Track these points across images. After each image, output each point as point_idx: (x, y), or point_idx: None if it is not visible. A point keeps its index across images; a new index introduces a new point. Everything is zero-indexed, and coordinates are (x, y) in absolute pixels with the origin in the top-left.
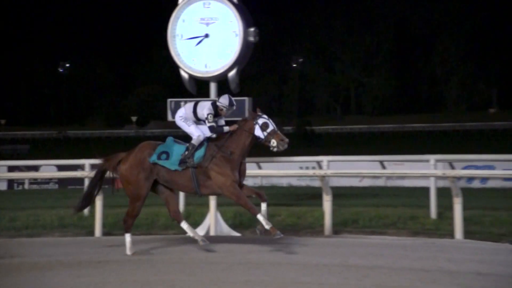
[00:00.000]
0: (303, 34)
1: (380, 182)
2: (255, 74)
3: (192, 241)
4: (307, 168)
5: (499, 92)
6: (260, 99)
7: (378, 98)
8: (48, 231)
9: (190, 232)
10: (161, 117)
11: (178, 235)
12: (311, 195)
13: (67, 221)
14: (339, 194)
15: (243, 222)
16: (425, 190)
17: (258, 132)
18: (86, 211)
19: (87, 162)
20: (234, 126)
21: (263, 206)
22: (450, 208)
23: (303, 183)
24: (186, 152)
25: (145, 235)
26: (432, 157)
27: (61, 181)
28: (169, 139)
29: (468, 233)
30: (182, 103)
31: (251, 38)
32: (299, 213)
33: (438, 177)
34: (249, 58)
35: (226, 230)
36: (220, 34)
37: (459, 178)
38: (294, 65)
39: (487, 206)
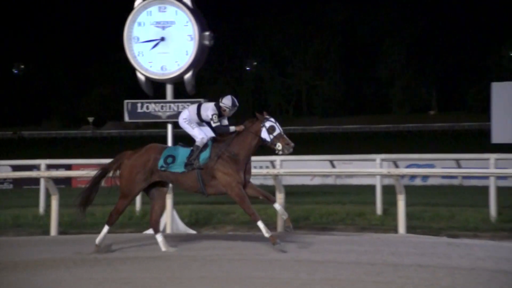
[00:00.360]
0: (257, 38)
1: (330, 181)
2: (210, 77)
3: (147, 238)
4: (260, 167)
5: (438, 95)
6: (216, 100)
7: (328, 100)
8: (3, 231)
9: (162, 247)
10: (118, 118)
11: (134, 234)
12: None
13: (22, 220)
14: (292, 192)
15: (199, 220)
16: (372, 187)
17: (264, 134)
18: (41, 210)
19: (43, 162)
20: (240, 127)
21: (277, 206)
22: (394, 204)
23: (257, 181)
24: (192, 154)
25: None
26: (378, 157)
27: (16, 181)
28: (174, 147)
29: (410, 228)
30: (186, 105)
31: (206, 42)
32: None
33: (383, 176)
34: (205, 61)
35: (182, 228)
36: (176, 37)
37: (402, 176)
38: (248, 68)
39: (427, 203)
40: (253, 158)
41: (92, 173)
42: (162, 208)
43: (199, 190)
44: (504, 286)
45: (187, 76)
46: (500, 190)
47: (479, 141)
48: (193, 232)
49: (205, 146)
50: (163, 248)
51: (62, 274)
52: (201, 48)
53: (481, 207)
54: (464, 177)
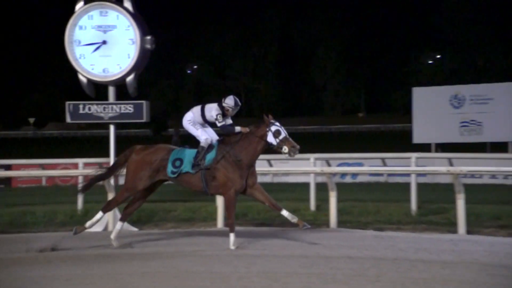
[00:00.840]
0: (198, 43)
1: (267, 179)
2: (153, 79)
3: (91, 236)
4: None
5: (366, 98)
6: (158, 103)
7: (266, 103)
8: None
9: (113, 234)
10: (60, 119)
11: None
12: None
13: None
14: None
15: (141, 218)
16: (306, 185)
17: (270, 138)
18: None
19: None
20: (245, 128)
21: (284, 213)
22: (326, 201)
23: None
24: (198, 155)
25: (42, 232)
26: (312, 156)
27: None
28: (178, 149)
29: (341, 222)
30: (193, 108)
31: (148, 46)
32: (194, 208)
33: (317, 174)
34: (147, 64)
35: (124, 225)
36: (117, 41)
37: (334, 174)
38: (189, 71)
39: (356, 199)
40: None
41: (33, 172)
42: (140, 205)
43: (202, 189)
44: (423, 273)
45: (129, 78)
46: (420, 186)
47: (402, 141)
48: (135, 229)
49: (211, 147)
50: (112, 235)
51: (0, 273)
52: (142, 52)
53: (404, 202)
54: (389, 175)
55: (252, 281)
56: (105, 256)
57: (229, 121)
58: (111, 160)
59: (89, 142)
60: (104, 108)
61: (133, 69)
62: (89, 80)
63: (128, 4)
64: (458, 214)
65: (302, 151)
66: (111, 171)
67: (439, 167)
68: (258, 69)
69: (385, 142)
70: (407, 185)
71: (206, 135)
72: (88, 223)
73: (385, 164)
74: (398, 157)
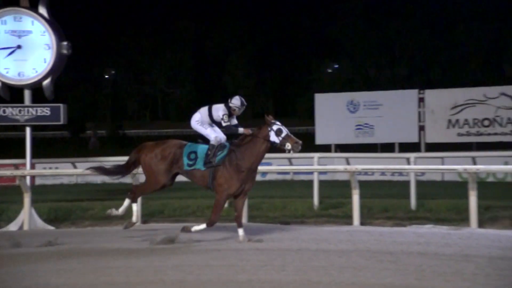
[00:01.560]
0: (115, 50)
1: (183, 178)
2: (70, 83)
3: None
4: None
5: (274, 103)
6: (76, 106)
7: (181, 106)
8: None
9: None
10: None
11: None
12: (124, 191)
13: None
14: None
15: (58, 217)
16: None
17: (273, 137)
18: None
19: None
20: (248, 130)
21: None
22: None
23: (116, 180)
24: (209, 153)
25: None
26: None
27: None
28: (190, 143)
29: (251, 217)
30: (200, 109)
31: (64, 51)
32: (112, 206)
33: None
34: (64, 68)
35: (40, 224)
36: (33, 46)
37: None
38: (107, 76)
39: (265, 195)
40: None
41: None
42: (243, 202)
43: (207, 185)
44: (322, 262)
45: (46, 82)
46: (321, 183)
47: (307, 143)
48: (51, 228)
49: (223, 146)
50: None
51: None
52: (59, 57)
53: (307, 197)
54: (295, 173)
55: (167, 274)
56: (19, 255)
57: (234, 121)
58: (28, 162)
59: (3, 144)
60: (20, 110)
61: (50, 73)
62: (3, 84)
63: (43, 11)
64: (354, 207)
65: None
66: (125, 169)
67: (338, 166)
68: (174, 75)
69: None
70: (310, 182)
71: (215, 134)
72: (120, 210)
73: (291, 163)
74: (303, 156)
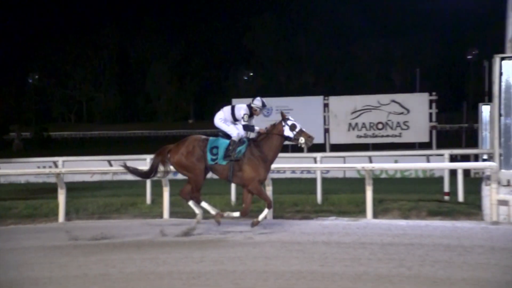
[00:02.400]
0: (40, 55)
1: (108, 177)
2: None
3: None
4: (44, 167)
5: (195, 107)
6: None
7: (106, 110)
8: None
9: (208, 208)
10: None
11: None
12: (48, 190)
13: None
14: (73, 188)
15: None
16: (143, 182)
17: (287, 132)
18: None
19: None
20: (262, 129)
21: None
22: (161, 195)
23: (40, 180)
24: (230, 147)
25: None
26: (147, 157)
27: None
28: (212, 138)
29: (173, 213)
30: (223, 108)
31: None
32: (36, 205)
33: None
34: None
35: None
36: None
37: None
38: (31, 81)
39: None
40: (36, 159)
41: None
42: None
43: (227, 177)
44: (238, 253)
45: None
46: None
47: None
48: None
49: (242, 142)
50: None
51: None
52: None
53: (225, 194)
54: None
55: (91, 268)
56: None
57: (253, 122)
58: None
59: None
60: None
61: None
62: None
63: None
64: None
65: (139, 152)
66: (150, 172)
67: None
68: (99, 80)
69: None
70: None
71: (237, 131)
72: (212, 211)
73: None
74: None
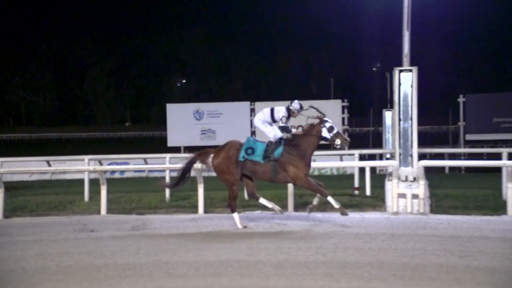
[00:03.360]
0: None
1: (47, 177)
2: None
3: None
4: None
5: (131, 111)
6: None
7: (45, 113)
8: None
9: (268, 204)
10: None
11: None
12: None
13: None
14: (12, 187)
15: None
16: (82, 181)
17: (325, 133)
18: None
19: None
20: (299, 131)
21: (234, 216)
22: (98, 193)
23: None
24: (268, 149)
25: None
26: (86, 157)
27: None
28: (249, 138)
29: (110, 210)
30: (263, 109)
31: None
32: None
33: (90, 171)
34: None
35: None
36: None
37: (105, 171)
38: None
39: (123, 190)
40: None
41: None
42: (252, 183)
43: (270, 178)
44: (171, 245)
45: None
46: (173, 179)
47: (160, 145)
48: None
49: (279, 143)
50: (269, 205)
51: None
52: None
53: (160, 191)
54: (150, 171)
55: (29, 263)
56: None
57: (289, 123)
58: None
59: None
60: None
61: None
62: None
63: None
64: (199, 199)
65: (78, 153)
66: (182, 177)
67: None
68: (38, 85)
69: (147, 146)
70: (163, 179)
71: (274, 132)
72: (238, 225)
73: (146, 163)
74: (156, 157)
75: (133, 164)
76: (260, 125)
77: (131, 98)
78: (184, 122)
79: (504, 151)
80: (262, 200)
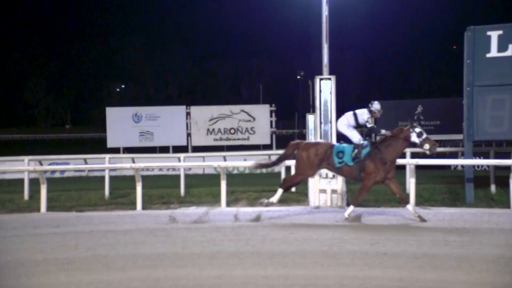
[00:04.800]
0: None
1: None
2: None
3: None
4: None
5: (71, 114)
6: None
7: None
8: None
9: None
10: None
11: None
12: None
13: None
14: None
15: None
16: (22, 180)
17: (414, 138)
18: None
19: None
20: (388, 132)
21: (409, 207)
22: (38, 192)
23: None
24: (356, 151)
25: None
26: (26, 158)
27: None
28: (337, 144)
29: (50, 207)
30: (345, 114)
31: None
32: None
33: (30, 171)
34: None
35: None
36: None
37: (45, 171)
38: None
39: (64, 189)
40: None
41: None
42: (396, 184)
43: (355, 177)
44: (110, 240)
45: None
46: (112, 178)
47: (100, 146)
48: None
49: (365, 145)
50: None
51: None
52: None
53: (100, 189)
54: (89, 171)
55: None
56: None
57: (375, 125)
58: None
59: None
60: None
61: None
62: None
63: None
64: (137, 196)
65: (18, 154)
66: (278, 161)
67: (125, 164)
68: None
69: (87, 147)
70: (103, 178)
71: (359, 135)
72: (272, 199)
73: (86, 163)
74: (96, 157)
75: (73, 164)
76: (345, 130)
77: (71, 102)
78: (123, 124)
79: (408, 150)
80: (409, 207)
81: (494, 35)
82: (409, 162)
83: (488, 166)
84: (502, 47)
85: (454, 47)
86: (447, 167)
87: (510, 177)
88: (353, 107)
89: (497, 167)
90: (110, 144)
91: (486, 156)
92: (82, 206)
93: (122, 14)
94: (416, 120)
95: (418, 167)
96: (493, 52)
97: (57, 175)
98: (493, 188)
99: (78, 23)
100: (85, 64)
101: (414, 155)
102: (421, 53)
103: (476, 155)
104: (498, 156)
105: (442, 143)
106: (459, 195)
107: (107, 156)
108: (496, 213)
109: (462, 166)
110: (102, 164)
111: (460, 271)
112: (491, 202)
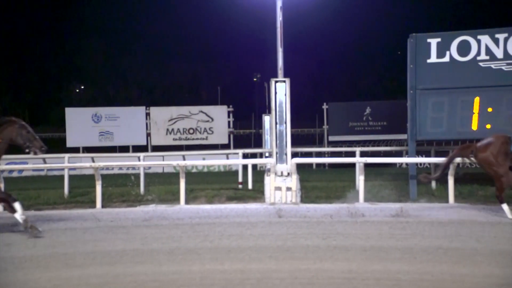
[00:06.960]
0: None
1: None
2: None
3: None
4: None
5: (30, 114)
6: None
7: None
8: None
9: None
10: None
11: None
12: None
13: None
14: None
15: None
16: None
17: None
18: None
19: None
20: None
21: None
22: None
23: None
24: None
25: None
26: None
27: None
28: None
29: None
30: None
31: None
32: None
33: None
34: None
35: None
36: None
37: (2, 171)
38: None
39: (21, 188)
40: None
41: None
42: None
43: None
44: (68, 237)
45: None
46: (72, 177)
47: (59, 146)
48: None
49: None
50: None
51: None
52: None
53: (59, 188)
54: (49, 170)
55: None
56: None
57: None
58: None
59: None
60: None
61: None
62: None
63: None
64: (97, 194)
65: None
66: (445, 168)
67: (85, 163)
68: None
69: (50, 146)
70: (62, 177)
71: None
72: (508, 215)
73: (45, 162)
74: (56, 157)
75: (32, 164)
76: None
77: (29, 102)
78: (82, 124)
79: (357, 150)
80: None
81: (433, 42)
82: (358, 160)
83: (429, 163)
84: (440, 54)
85: (399, 53)
86: (393, 165)
87: (448, 174)
88: (306, 108)
89: (437, 165)
90: (69, 143)
91: (427, 154)
92: (41, 205)
93: (81, 15)
94: (365, 121)
95: (367, 165)
96: (433, 58)
97: (15, 174)
98: (433, 184)
99: (37, 23)
100: (44, 65)
101: (363, 154)
102: (369, 58)
103: (419, 153)
104: (438, 154)
105: (388, 142)
106: (404, 191)
107: (67, 155)
108: (436, 207)
109: (407, 164)
110: (62, 164)
111: (403, 262)
112: (432, 197)
